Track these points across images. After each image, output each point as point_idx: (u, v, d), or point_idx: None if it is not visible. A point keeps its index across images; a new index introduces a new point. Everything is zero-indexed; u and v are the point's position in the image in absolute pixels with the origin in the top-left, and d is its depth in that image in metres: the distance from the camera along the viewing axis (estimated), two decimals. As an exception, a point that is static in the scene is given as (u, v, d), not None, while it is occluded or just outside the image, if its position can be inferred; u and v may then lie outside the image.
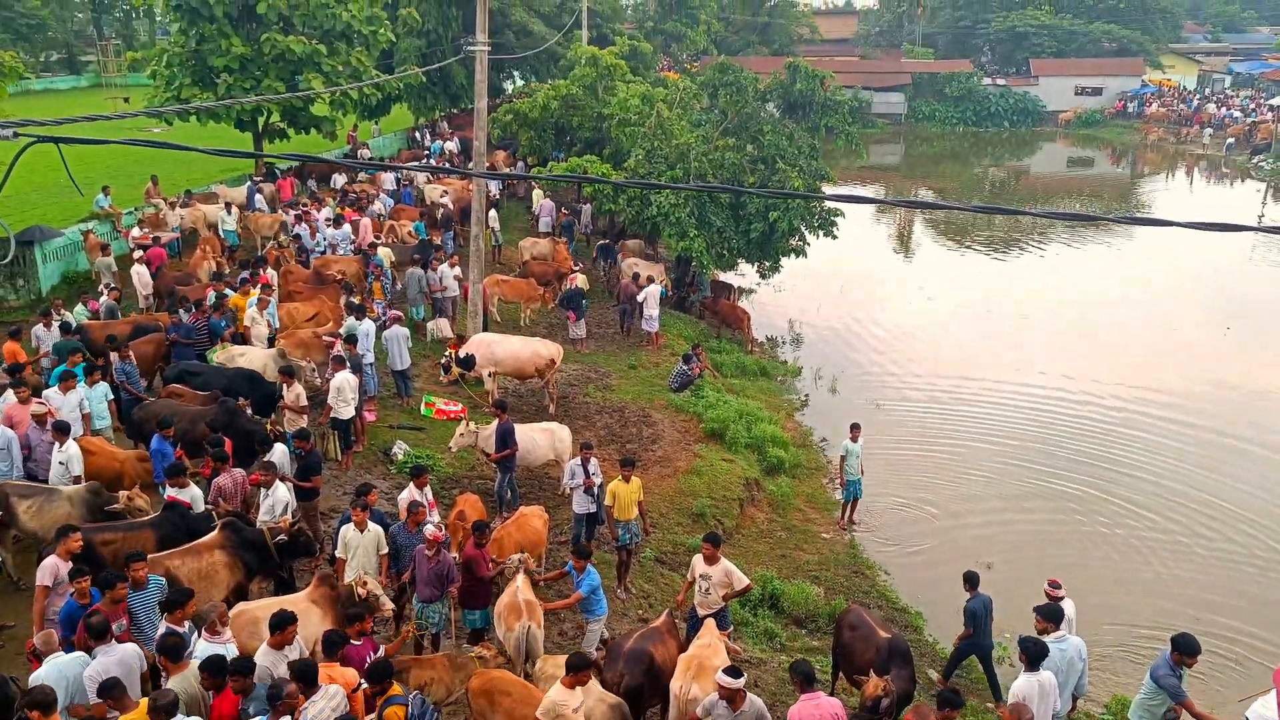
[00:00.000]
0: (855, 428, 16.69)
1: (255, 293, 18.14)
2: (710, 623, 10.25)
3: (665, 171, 24.97)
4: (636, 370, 21.54)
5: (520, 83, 50.96)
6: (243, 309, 17.73)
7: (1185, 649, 9.11)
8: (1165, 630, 12.40)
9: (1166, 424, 21.37)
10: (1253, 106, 66.64)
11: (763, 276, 28.08)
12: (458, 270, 22.36)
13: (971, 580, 11.61)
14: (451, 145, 39.70)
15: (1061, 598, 10.58)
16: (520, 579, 10.56)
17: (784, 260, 26.89)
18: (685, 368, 20.38)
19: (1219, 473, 19.16)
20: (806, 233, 26.15)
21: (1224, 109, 66.98)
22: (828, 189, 27.57)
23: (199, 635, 8.39)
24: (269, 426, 13.91)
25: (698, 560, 11.21)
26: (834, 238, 26.36)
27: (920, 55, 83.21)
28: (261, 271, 19.71)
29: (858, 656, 10.29)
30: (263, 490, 11.43)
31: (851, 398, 22.68)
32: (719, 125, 27.37)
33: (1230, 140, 59.93)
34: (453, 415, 17.18)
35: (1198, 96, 74.51)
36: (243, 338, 17.21)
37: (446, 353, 19.81)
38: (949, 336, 27.33)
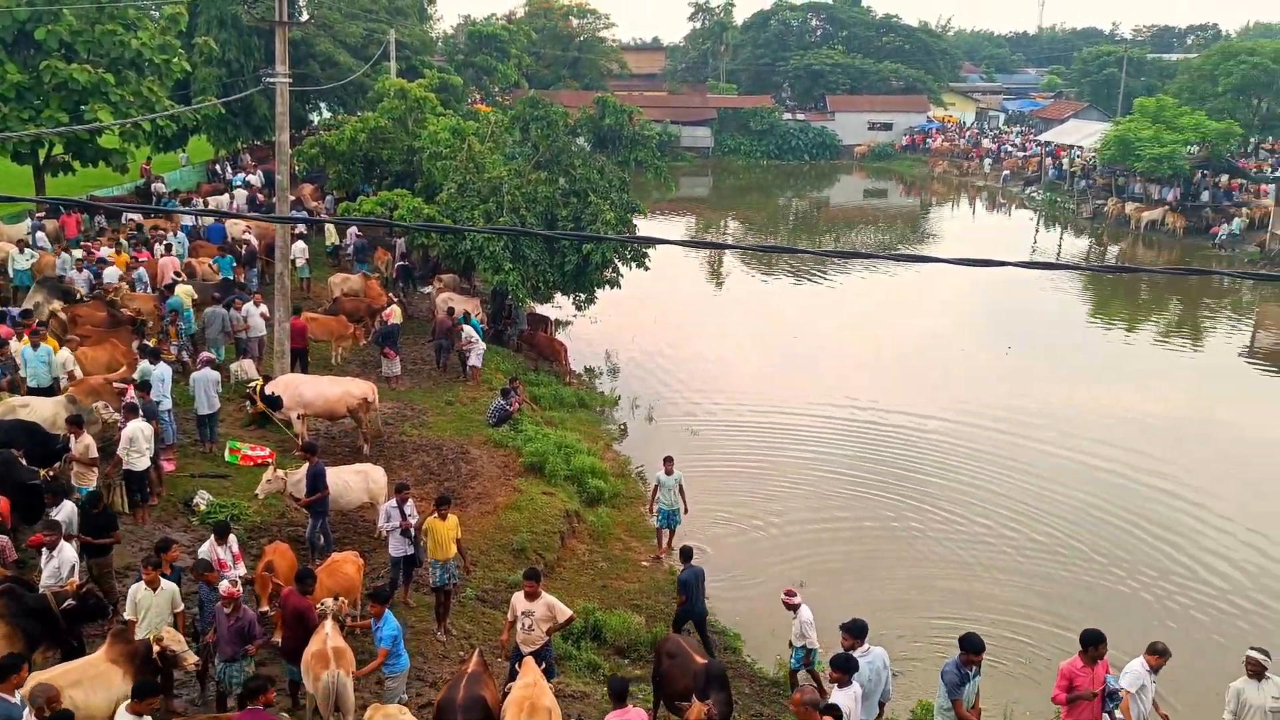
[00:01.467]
0: (668, 460, 16.85)
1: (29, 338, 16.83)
2: (530, 660, 10.14)
3: (478, 205, 24.77)
4: (454, 406, 21.18)
5: (327, 114, 49.60)
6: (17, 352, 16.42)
7: (970, 648, 9.59)
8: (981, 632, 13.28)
9: (968, 436, 22.65)
10: (1022, 141, 72.30)
11: (578, 308, 28.23)
12: (264, 308, 21.51)
13: (685, 554, 13.67)
14: (254, 178, 38.17)
15: (798, 605, 12.17)
16: (329, 625, 10.14)
17: (599, 291, 27.19)
18: (503, 402, 20.20)
19: (1018, 474, 20.56)
20: (620, 264, 26.58)
21: (999, 144, 72.36)
22: (639, 221, 28.09)
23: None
24: (44, 476, 12.89)
25: (518, 598, 11.07)
26: (646, 269, 26.84)
27: (724, 91, 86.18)
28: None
29: (676, 683, 10.40)
30: (45, 551, 10.57)
31: (668, 425, 23.06)
32: (531, 159, 27.42)
33: (1006, 172, 64.74)
34: (259, 460, 16.41)
35: (977, 131, 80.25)
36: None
37: (252, 384, 19.00)
38: (759, 363, 28.23)
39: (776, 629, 14.37)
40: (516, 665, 10.37)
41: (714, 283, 39.75)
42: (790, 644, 12.58)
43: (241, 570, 11.46)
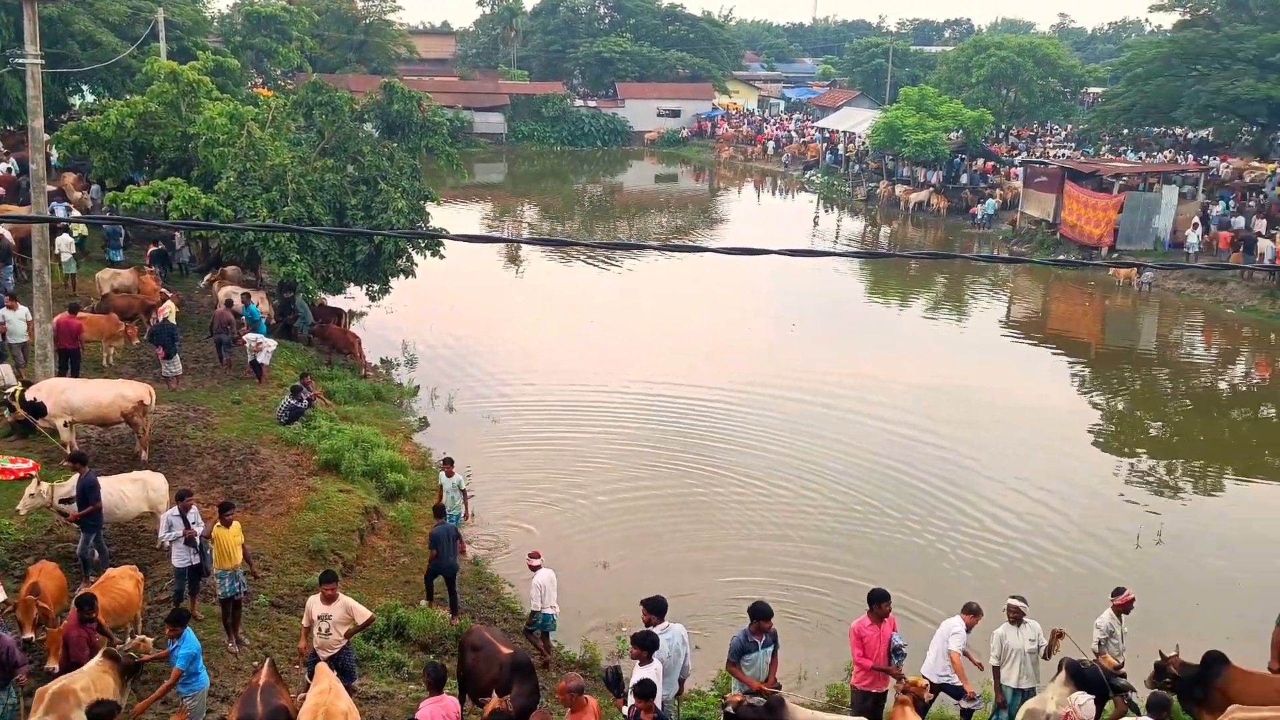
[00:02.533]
0: (448, 462, 16.21)
1: None
2: (323, 666, 9.73)
3: (260, 194, 23.45)
4: (241, 405, 19.96)
5: (90, 98, 45.85)
6: None
7: (757, 614, 9.88)
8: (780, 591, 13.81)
9: (761, 405, 23.40)
10: (801, 128, 75.37)
11: (372, 299, 27.32)
12: (24, 311, 19.64)
13: (437, 511, 14.43)
14: (7, 166, 34.90)
15: (538, 567, 12.98)
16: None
17: (393, 281, 26.45)
18: (293, 401, 19.32)
19: (811, 439, 21.50)
20: (414, 253, 25.93)
21: (781, 130, 75.15)
22: (433, 208, 27.44)
23: None
24: None
25: (314, 601, 10.63)
26: (441, 257, 26.30)
27: (516, 77, 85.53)
28: None
29: (481, 677, 10.24)
30: None
31: (469, 414, 22.69)
32: (316, 146, 26.27)
33: (787, 157, 67.32)
34: (21, 474, 15.00)
35: (760, 118, 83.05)
36: None
37: (9, 389, 17.28)
38: (558, 348, 28.06)
39: (582, 610, 14.59)
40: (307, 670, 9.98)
41: (512, 269, 39.45)
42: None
43: (1, 595, 10.48)
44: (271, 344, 21.96)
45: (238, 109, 27.76)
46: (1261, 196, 43.76)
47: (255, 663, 11.86)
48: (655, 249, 45.97)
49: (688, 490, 19.13)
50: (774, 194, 61.66)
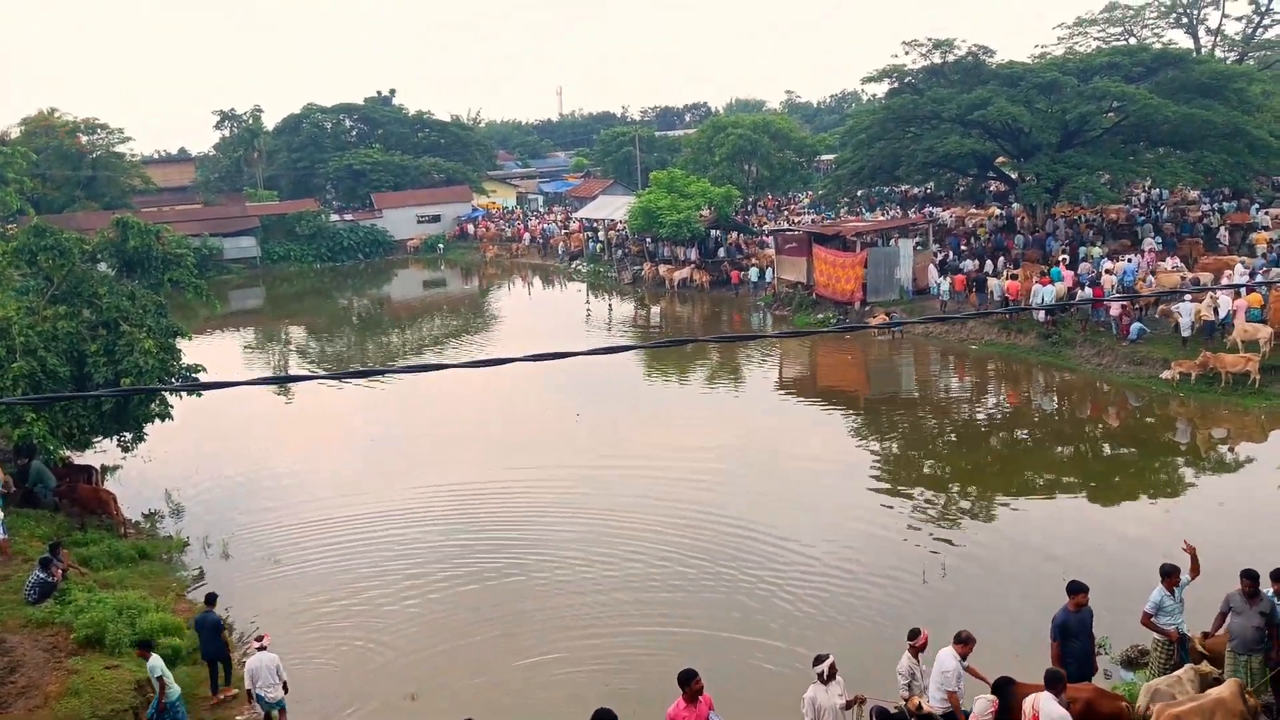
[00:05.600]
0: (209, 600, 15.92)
1: None
2: None
3: (-18, 352, 21.50)
4: (-21, 590, 17.97)
5: None
6: None
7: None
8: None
9: (557, 490, 23.59)
10: (563, 219, 77.02)
11: (126, 449, 25.28)
12: None
13: (209, 599, 15.60)
14: None
15: (263, 648, 13.76)
16: None
17: (149, 427, 24.70)
18: (43, 574, 17.42)
19: (617, 515, 21.88)
20: (167, 395, 24.33)
21: (541, 224, 76.47)
22: (184, 344, 25.79)
23: None
24: None
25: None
26: (198, 395, 24.82)
27: (265, 198, 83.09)
28: None
29: None
30: None
31: (246, 558, 21.10)
32: (45, 293, 24.37)
33: (561, 250, 68.33)
34: None
35: (521, 214, 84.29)
36: None
37: None
38: (340, 469, 26.78)
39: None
40: None
41: (281, 396, 37.70)
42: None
43: None
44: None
45: (-53, 264, 25.44)
46: (975, 240, 48.44)
47: None
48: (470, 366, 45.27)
49: (492, 593, 18.68)
50: (545, 286, 62.28)
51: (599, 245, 64.15)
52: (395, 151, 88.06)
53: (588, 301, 55.28)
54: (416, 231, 78.60)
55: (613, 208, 65.09)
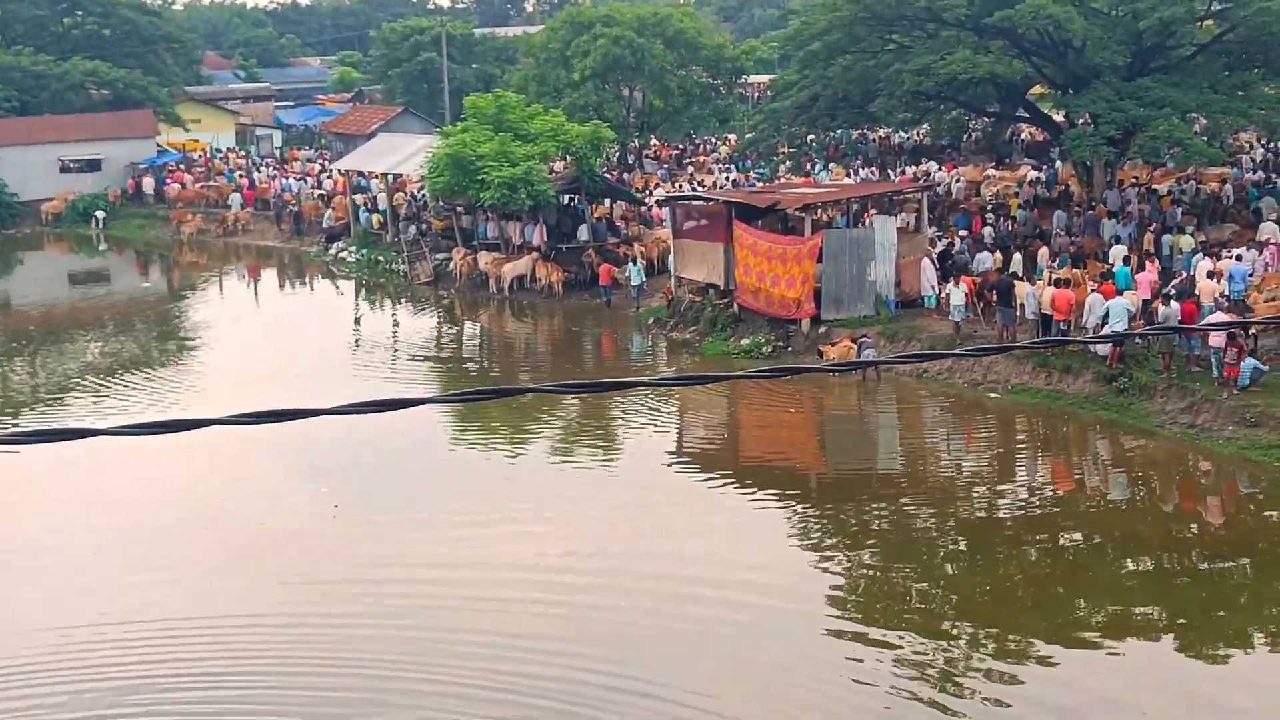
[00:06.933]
0: None
1: None
2: None
3: None
4: None
5: None
6: None
7: None
8: None
9: (325, 625, 24.24)
10: (316, 172, 74.91)
11: None
12: None
13: None
14: None
15: None
16: None
17: None
18: None
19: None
20: None
21: (279, 180, 74.20)
22: None
23: None
24: None
25: None
26: None
27: None
28: None
29: None
30: None
31: None
32: None
33: (315, 223, 65.01)
34: None
35: (242, 163, 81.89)
36: None
37: None
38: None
39: None
40: None
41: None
42: None
43: None
44: None
45: None
46: (998, 220, 46.70)
47: None
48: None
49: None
50: (286, 286, 59.48)
51: (376, 217, 60.93)
52: (20, 48, 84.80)
53: (357, 313, 53.25)
54: (58, 188, 74.65)
55: (402, 155, 60.69)
